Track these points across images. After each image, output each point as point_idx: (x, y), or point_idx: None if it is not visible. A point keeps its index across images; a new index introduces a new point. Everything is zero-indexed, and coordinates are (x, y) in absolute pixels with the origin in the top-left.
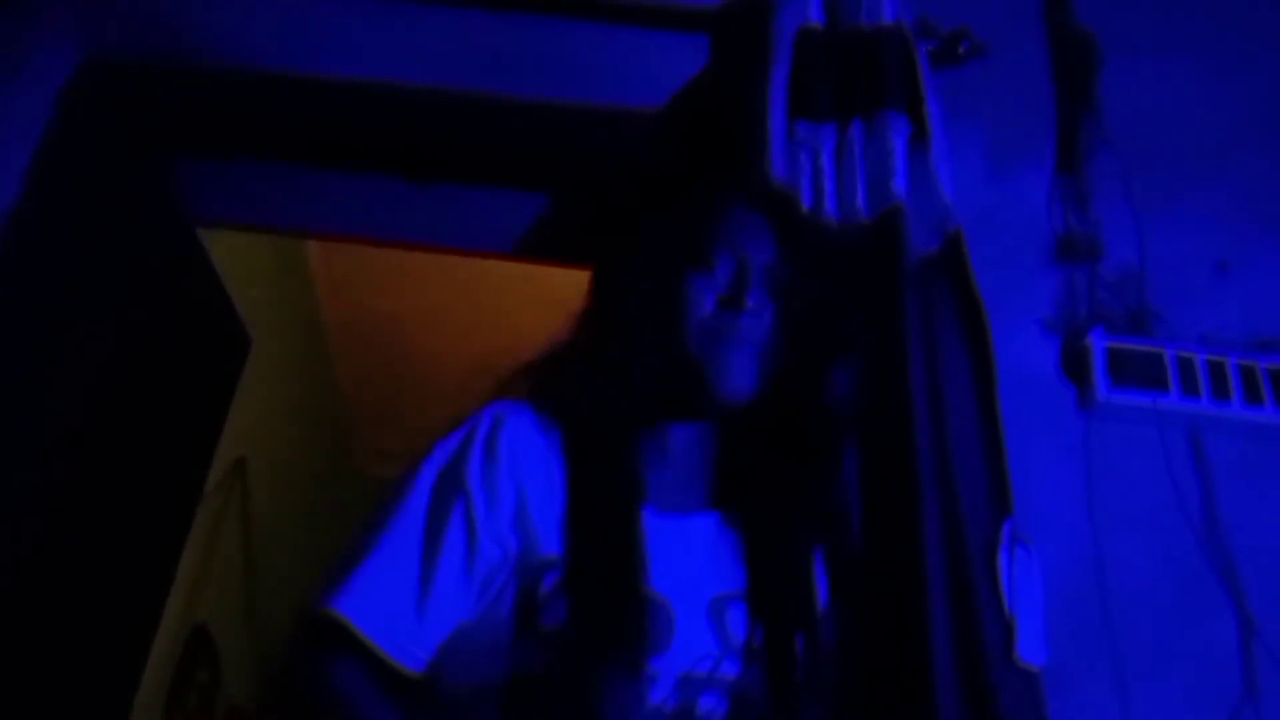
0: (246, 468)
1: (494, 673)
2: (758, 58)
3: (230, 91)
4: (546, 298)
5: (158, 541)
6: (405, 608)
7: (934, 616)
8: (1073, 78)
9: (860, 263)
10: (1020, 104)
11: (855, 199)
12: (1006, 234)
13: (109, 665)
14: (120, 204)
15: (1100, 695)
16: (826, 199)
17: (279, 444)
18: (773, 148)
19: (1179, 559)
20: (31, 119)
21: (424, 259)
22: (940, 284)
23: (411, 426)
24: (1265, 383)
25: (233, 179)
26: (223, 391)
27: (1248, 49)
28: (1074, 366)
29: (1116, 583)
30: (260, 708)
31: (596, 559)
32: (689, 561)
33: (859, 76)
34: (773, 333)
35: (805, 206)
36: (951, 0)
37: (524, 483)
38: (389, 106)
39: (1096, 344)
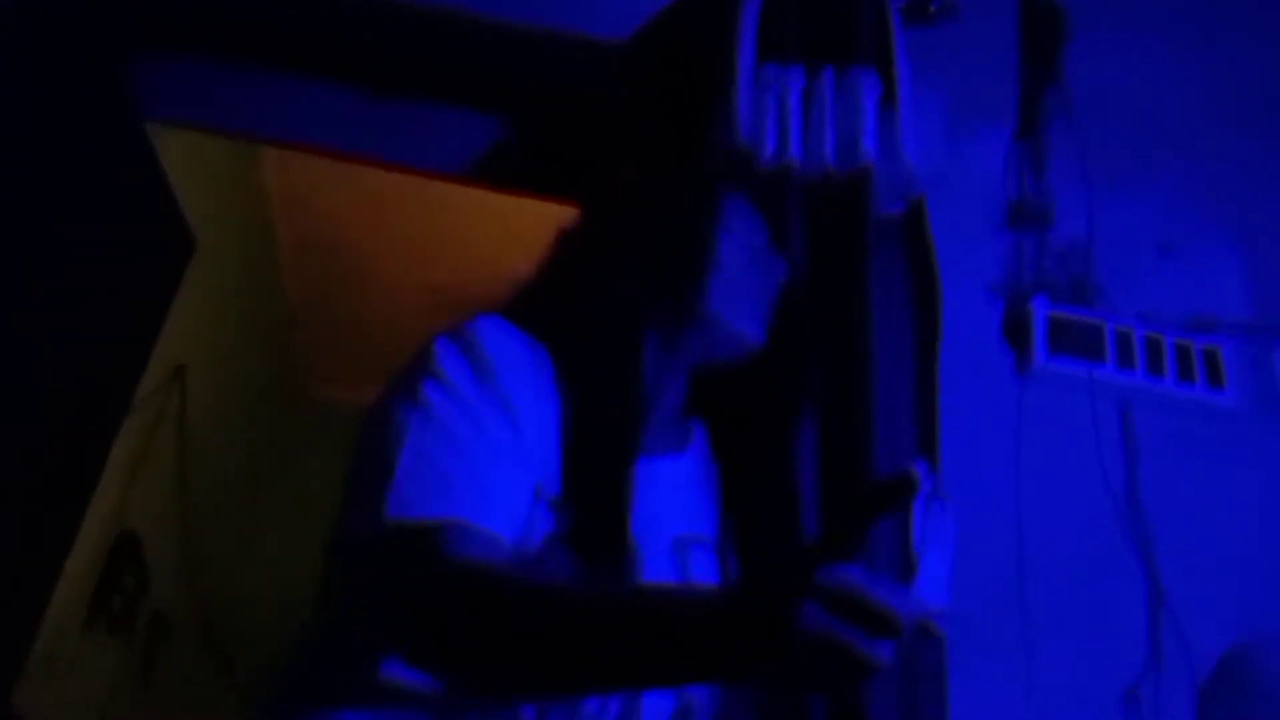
0: (186, 376)
1: None
2: None
3: None
4: (506, 228)
5: (85, 440)
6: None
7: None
8: (1040, 46)
9: (827, 222)
10: (985, 68)
11: (822, 150)
12: (959, 195)
13: (24, 562)
14: (67, 95)
15: (1008, 652)
16: (792, 144)
17: (221, 354)
18: (740, 89)
19: (1097, 526)
20: None
21: (383, 182)
22: (896, 247)
23: (360, 349)
24: (1199, 362)
25: (187, 77)
26: (162, 290)
27: (1212, 34)
28: (1014, 331)
29: (1034, 544)
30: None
31: (593, 509)
32: (657, 503)
33: (831, 26)
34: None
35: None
36: None
37: (527, 405)
38: (353, 13)
39: (1038, 311)
